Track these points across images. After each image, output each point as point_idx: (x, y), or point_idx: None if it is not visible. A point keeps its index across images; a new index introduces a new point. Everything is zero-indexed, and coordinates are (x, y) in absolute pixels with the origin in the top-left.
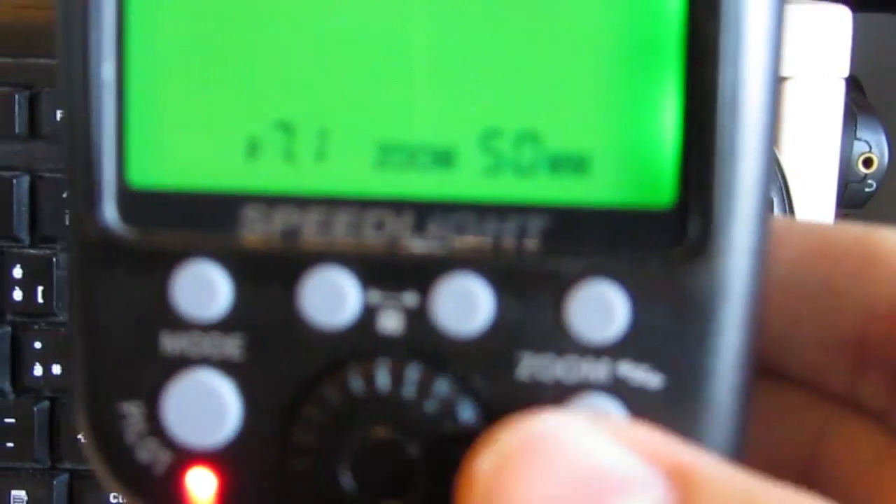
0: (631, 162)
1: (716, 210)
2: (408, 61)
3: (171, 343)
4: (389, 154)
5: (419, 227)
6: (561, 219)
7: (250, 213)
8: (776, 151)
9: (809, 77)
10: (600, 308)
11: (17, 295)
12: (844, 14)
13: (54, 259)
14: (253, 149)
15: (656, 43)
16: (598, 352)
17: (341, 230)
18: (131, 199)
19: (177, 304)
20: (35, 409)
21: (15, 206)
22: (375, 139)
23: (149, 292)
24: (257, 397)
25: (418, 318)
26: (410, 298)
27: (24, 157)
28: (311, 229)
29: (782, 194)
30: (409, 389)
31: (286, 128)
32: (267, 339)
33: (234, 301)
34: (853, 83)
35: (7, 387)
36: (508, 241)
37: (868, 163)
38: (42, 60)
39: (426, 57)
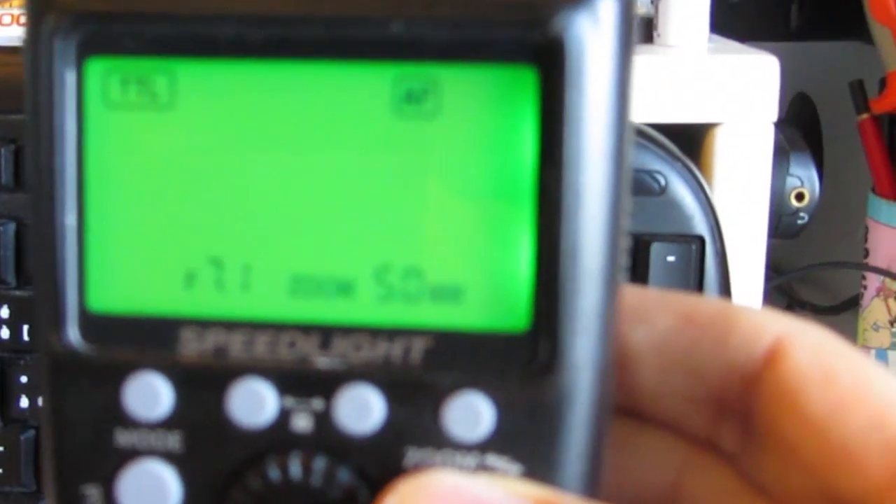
0: (495, 294)
1: (560, 335)
2: (315, 210)
3: (123, 438)
4: (300, 285)
5: (324, 345)
6: (439, 339)
7: (187, 334)
8: (708, 190)
9: (740, 122)
10: (470, 414)
11: (5, 333)
12: (772, 62)
13: None
14: (189, 280)
15: (515, 200)
16: (468, 447)
17: (261, 348)
18: (90, 322)
19: (128, 407)
20: (21, 437)
21: (2, 252)
22: (289, 272)
23: (105, 397)
24: (194, 483)
25: (324, 420)
26: (317, 403)
27: (9, 206)
28: (236, 347)
29: (713, 231)
30: (317, 477)
31: (216, 263)
32: (201, 435)
33: (174, 404)
34: (802, 104)
35: None
36: (396, 358)
37: (800, 197)
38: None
39: (331, 206)
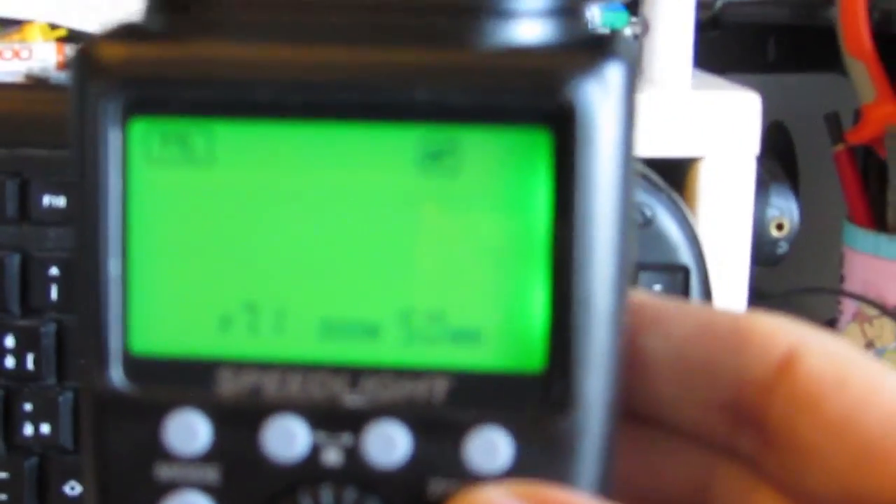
0: (512, 337)
1: (573, 375)
2: (344, 259)
3: (163, 471)
4: (330, 328)
5: (353, 384)
6: (460, 379)
7: (224, 374)
8: (692, 221)
9: (722, 156)
10: (490, 447)
11: (10, 362)
12: (753, 98)
13: (42, 329)
14: (226, 324)
15: (531, 251)
16: (488, 479)
17: (294, 387)
18: (133, 363)
19: (168, 442)
20: (25, 464)
21: (7, 282)
22: (319, 316)
23: (146, 433)
24: None
25: (353, 454)
26: (347, 438)
27: (15, 238)
28: (270, 386)
29: (697, 260)
30: None
31: (251, 308)
32: (238, 468)
33: (212, 440)
34: (778, 132)
35: (0, 445)
36: (420, 396)
37: (780, 227)
38: (32, 151)
39: (359, 256)
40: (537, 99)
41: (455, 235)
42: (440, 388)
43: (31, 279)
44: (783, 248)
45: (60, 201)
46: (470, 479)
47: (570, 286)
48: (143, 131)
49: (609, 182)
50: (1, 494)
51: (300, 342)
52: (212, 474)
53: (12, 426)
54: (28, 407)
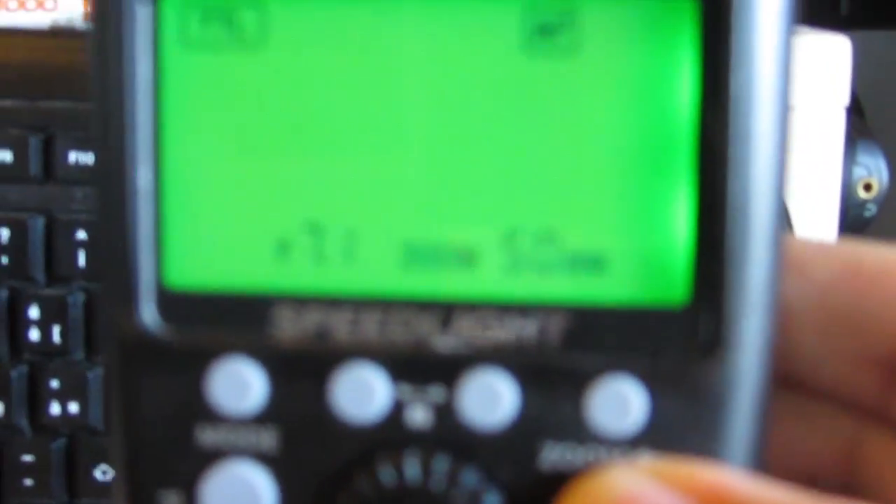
0: (646, 262)
1: (727, 310)
2: (431, 164)
3: (207, 436)
4: (415, 254)
5: (445, 324)
6: (580, 317)
7: (283, 313)
8: None
9: (809, 106)
10: (618, 402)
11: (34, 335)
12: (843, 43)
13: (69, 299)
14: (283, 250)
15: (669, 149)
16: (616, 442)
17: (370, 329)
18: (168, 300)
19: (213, 399)
20: (52, 446)
21: (30, 248)
22: (401, 240)
23: (186, 387)
24: (292, 487)
25: (445, 412)
26: (437, 393)
27: (39, 199)
28: (340, 328)
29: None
30: (438, 480)
31: (315, 229)
32: (300, 431)
33: (268, 395)
34: (853, 105)
35: (25, 425)
36: (530, 338)
37: (868, 187)
38: (57, 103)
39: (449, 160)
40: None
41: (572, 133)
42: (555, 327)
43: (56, 244)
44: (871, 210)
45: (88, 158)
46: (593, 442)
47: (724, 191)
48: (178, 7)
49: (770, 56)
50: (27, 479)
51: (378, 272)
52: (268, 439)
53: (38, 405)
54: (55, 384)
